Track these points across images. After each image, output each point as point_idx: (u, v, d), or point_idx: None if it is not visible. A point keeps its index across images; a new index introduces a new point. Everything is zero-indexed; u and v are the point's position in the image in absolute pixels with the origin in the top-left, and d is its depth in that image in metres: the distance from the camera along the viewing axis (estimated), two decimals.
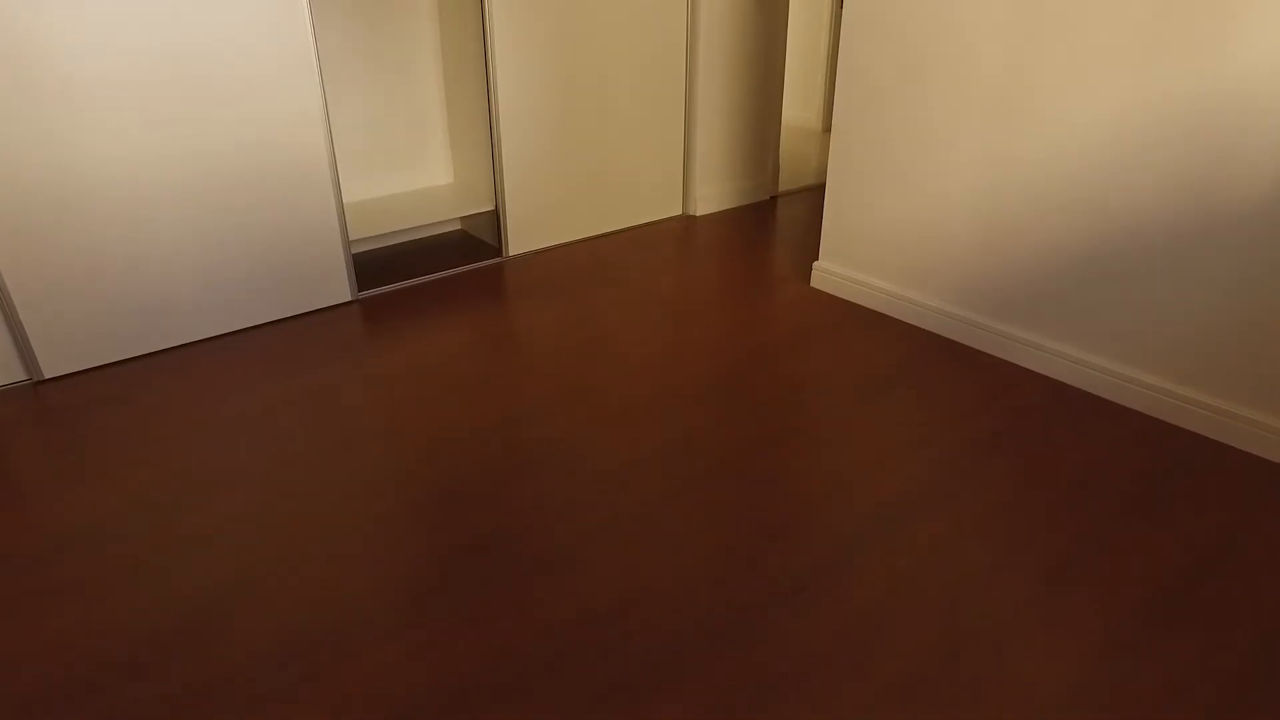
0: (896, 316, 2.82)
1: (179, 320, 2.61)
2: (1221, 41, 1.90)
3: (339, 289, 2.92)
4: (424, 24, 3.33)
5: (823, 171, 4.71)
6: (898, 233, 2.75)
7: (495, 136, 3.19)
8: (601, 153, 3.54)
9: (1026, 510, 1.85)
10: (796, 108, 6.01)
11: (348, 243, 2.88)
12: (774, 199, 4.23)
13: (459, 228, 3.71)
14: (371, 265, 3.28)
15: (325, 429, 2.18)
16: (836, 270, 3.00)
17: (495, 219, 3.37)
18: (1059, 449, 2.08)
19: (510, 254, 3.41)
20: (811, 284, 3.10)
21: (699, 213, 3.94)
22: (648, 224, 3.83)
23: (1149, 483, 1.94)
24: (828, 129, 5.78)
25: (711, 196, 3.97)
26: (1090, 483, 1.94)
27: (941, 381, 2.41)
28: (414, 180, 3.53)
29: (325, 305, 2.91)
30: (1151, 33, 2.00)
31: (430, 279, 3.18)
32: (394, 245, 3.50)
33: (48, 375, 2.43)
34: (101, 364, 2.51)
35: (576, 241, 3.60)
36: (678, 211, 3.95)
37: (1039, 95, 2.26)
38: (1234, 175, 1.95)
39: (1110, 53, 2.09)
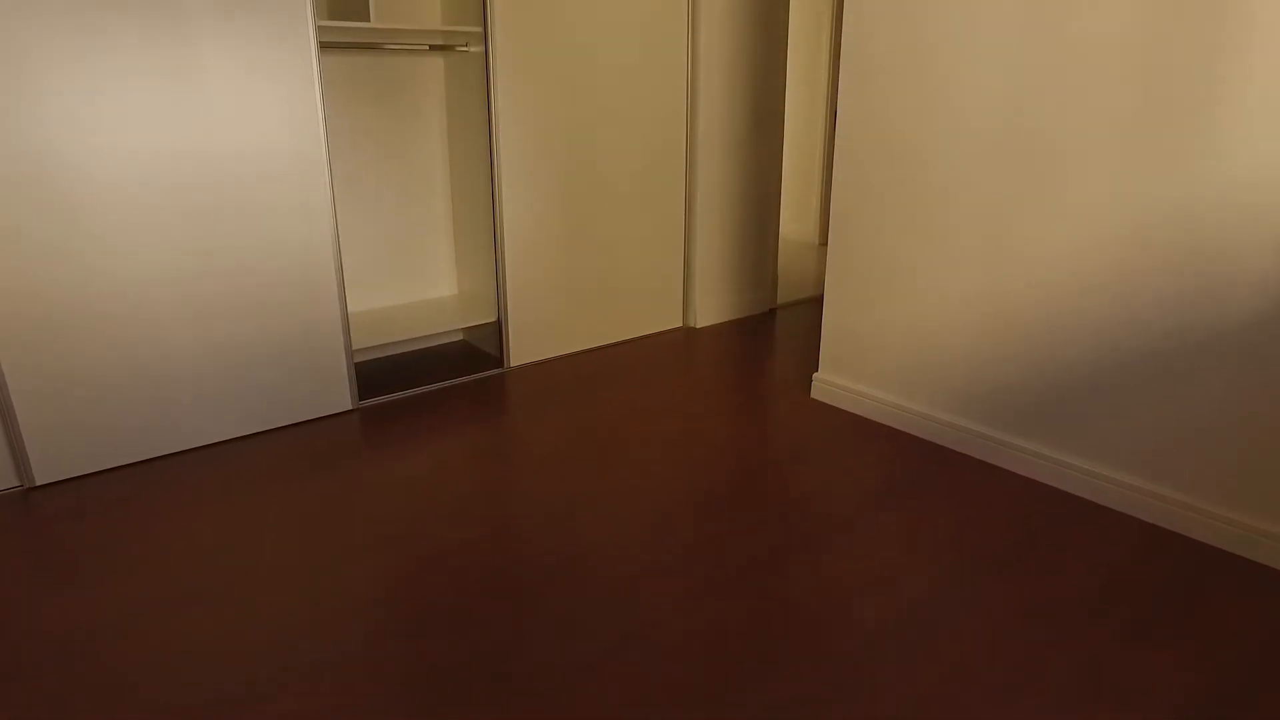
0: (899, 428, 2.81)
1: (176, 427, 2.60)
2: (1204, 152, 1.96)
3: (340, 398, 2.92)
4: (434, 142, 3.46)
5: (820, 284, 4.79)
6: (897, 343, 2.78)
7: (499, 249, 3.26)
8: (603, 266, 3.61)
9: (1040, 628, 1.79)
10: (793, 222, 6.17)
11: (350, 352, 2.90)
12: (773, 311, 4.29)
13: (461, 338, 3.74)
14: (373, 374, 3.30)
15: (320, 541, 2.14)
16: (837, 381, 3.01)
17: (498, 330, 3.41)
18: (1070, 563, 2.03)
19: (512, 365, 3.43)
20: (812, 395, 3.10)
21: (699, 324, 3.99)
22: (648, 336, 3.87)
23: (1165, 598, 1.89)
24: (824, 242, 5.92)
25: (711, 309, 4.03)
26: (1104, 599, 1.89)
27: (947, 494, 2.38)
28: (419, 291, 3.59)
29: (325, 414, 2.91)
30: (1135, 147, 2.08)
31: (431, 389, 3.19)
32: (396, 355, 3.53)
33: (40, 482, 2.40)
34: (96, 470, 2.49)
35: (578, 353, 3.63)
36: (678, 324, 4.00)
37: (1030, 209, 2.32)
38: (1227, 284, 1.98)
39: (1095, 168, 2.16)
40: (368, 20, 2.82)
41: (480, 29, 3.04)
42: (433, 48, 3.22)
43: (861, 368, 2.92)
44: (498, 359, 3.46)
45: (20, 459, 2.36)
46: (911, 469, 2.53)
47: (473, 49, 3.19)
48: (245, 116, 2.51)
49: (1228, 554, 2.07)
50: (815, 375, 3.08)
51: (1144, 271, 2.12)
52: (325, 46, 2.95)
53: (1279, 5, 1.80)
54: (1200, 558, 2.06)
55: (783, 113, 4.07)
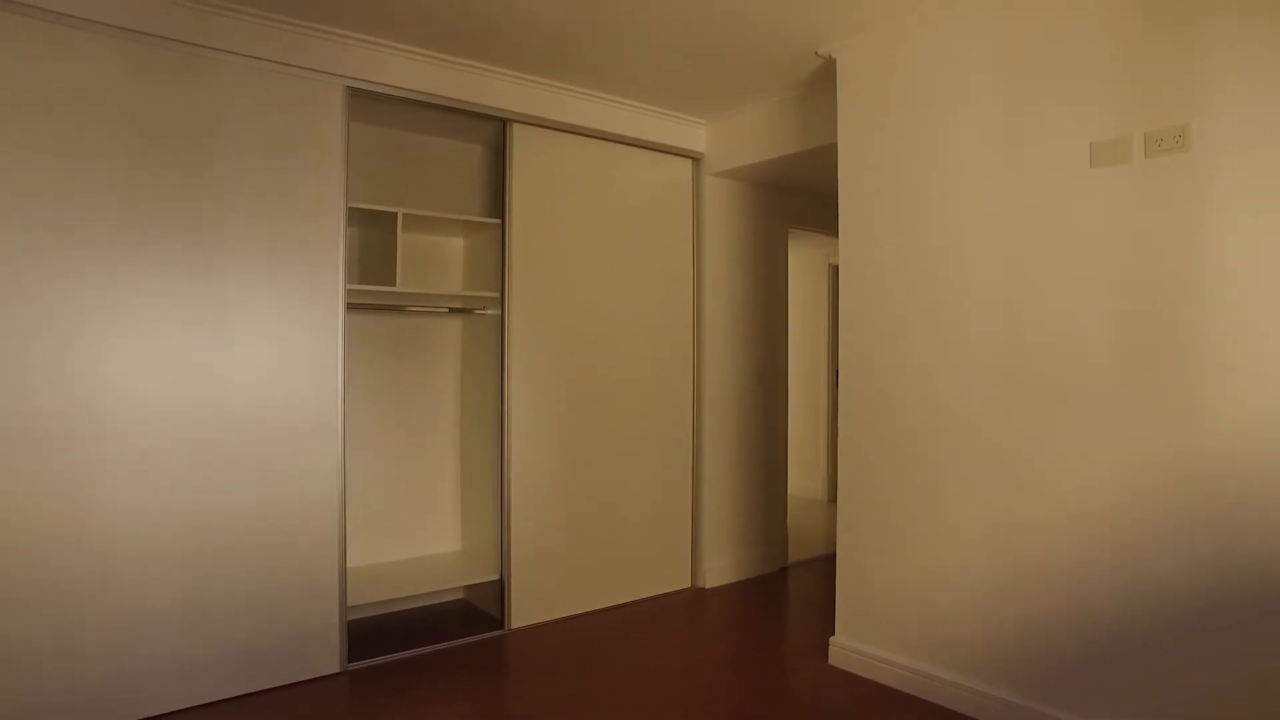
0: (923, 696, 2.60)
1: (136, 693, 2.41)
2: (1194, 408, 1.98)
3: (327, 660, 2.75)
4: (447, 397, 3.55)
5: (832, 541, 4.67)
6: (915, 604, 2.64)
7: (505, 506, 3.22)
8: (610, 524, 3.55)
9: None
10: (801, 479, 6.15)
11: (344, 610, 2.77)
12: (784, 570, 4.15)
13: (462, 596, 3.60)
14: (366, 632, 3.12)
15: None
16: (855, 646, 2.83)
17: (500, 589, 3.28)
18: None
19: (513, 626, 3.25)
20: (830, 661, 2.90)
21: (708, 585, 3.84)
22: (656, 597, 3.71)
23: None
24: (833, 499, 5.86)
25: (721, 569, 3.90)
26: None
27: None
28: (420, 545, 3.51)
29: (309, 677, 2.72)
30: (1126, 402, 2.10)
31: (426, 651, 3.00)
32: (393, 612, 3.37)
33: None
34: None
35: (582, 614, 3.46)
36: (687, 584, 3.85)
37: (1033, 463, 2.31)
38: (1244, 542, 1.91)
39: (1086, 422, 2.17)
40: (394, 285, 3.00)
41: (498, 294, 3.23)
42: (452, 310, 3.40)
43: (880, 630, 2.76)
44: (499, 620, 3.29)
45: None
46: None
47: (490, 312, 3.37)
48: (265, 372, 2.60)
49: None
50: (832, 639, 2.91)
51: (1151, 524, 2.06)
52: (351, 307, 3.11)
53: (1252, 251, 1.91)
54: None
55: (786, 372, 4.20)
